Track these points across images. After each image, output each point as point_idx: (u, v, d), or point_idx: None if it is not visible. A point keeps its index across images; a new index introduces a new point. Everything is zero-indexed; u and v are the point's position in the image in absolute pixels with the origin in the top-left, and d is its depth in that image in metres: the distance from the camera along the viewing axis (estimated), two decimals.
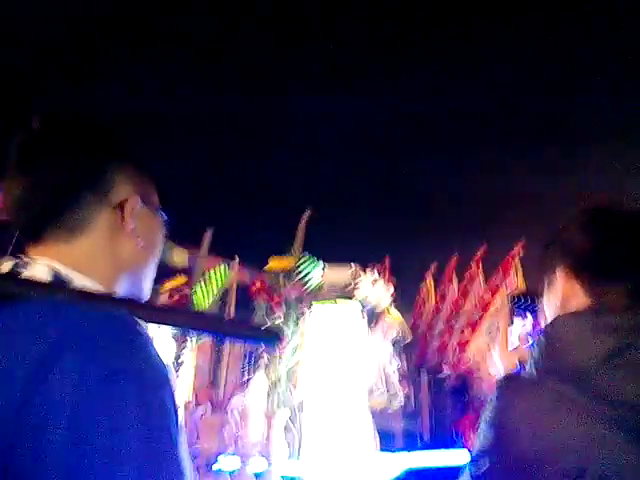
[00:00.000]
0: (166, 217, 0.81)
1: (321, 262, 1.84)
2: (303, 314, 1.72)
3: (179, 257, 2.15)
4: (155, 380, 0.59)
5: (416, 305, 3.24)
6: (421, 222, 3.77)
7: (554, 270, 1.09)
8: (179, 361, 1.98)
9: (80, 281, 0.66)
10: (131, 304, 0.70)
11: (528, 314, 1.38)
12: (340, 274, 1.68)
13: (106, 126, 0.71)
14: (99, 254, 0.71)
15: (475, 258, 3.17)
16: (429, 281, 3.30)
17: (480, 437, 1.00)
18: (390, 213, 3.68)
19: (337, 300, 1.63)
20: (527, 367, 1.02)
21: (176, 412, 0.63)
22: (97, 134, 0.70)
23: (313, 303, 1.68)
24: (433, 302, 3.18)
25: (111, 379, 0.55)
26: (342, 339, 1.62)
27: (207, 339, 2.00)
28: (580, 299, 1.02)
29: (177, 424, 0.62)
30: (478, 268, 3.16)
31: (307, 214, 1.78)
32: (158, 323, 0.73)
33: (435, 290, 3.25)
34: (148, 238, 0.78)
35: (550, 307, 1.10)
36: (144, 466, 0.55)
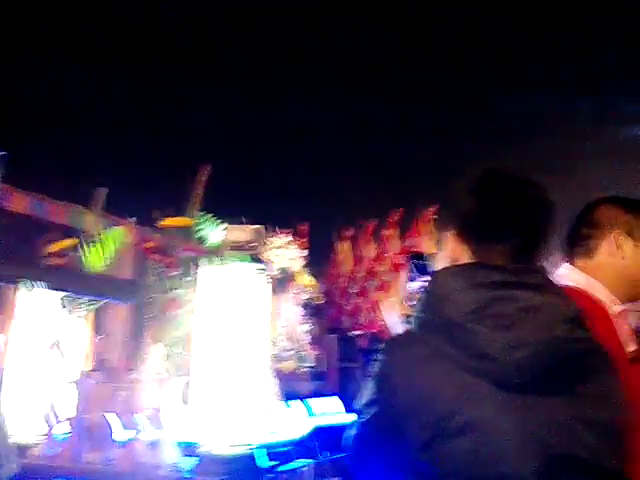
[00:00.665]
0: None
1: (220, 222, 1.75)
2: (199, 275, 1.64)
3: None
4: None
5: (331, 268, 3.23)
6: (340, 186, 3.74)
7: (445, 231, 1.09)
8: (69, 328, 1.84)
9: None
10: None
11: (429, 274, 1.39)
12: (241, 233, 1.61)
13: None
14: None
15: (391, 221, 3.19)
16: (345, 244, 3.29)
17: (365, 390, 0.99)
18: (308, 175, 3.62)
19: (239, 261, 1.56)
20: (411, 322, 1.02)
21: None
22: None
23: (210, 263, 1.60)
24: (348, 265, 3.19)
25: None
26: (241, 300, 1.55)
27: (98, 306, 1.88)
28: (466, 259, 1.03)
29: None
30: (393, 231, 3.19)
31: (205, 172, 1.67)
32: None
33: (351, 254, 3.25)
34: None
35: (440, 266, 1.11)
36: None
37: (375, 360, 0.98)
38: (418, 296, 1.01)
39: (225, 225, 1.72)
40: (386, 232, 3.15)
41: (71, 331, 1.85)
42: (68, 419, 1.78)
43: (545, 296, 0.95)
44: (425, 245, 2.89)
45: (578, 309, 0.97)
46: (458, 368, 0.87)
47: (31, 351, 1.94)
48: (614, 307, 1.36)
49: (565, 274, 1.41)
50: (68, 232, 1.99)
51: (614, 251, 1.50)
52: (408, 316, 1.11)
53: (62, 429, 1.83)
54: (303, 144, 3.81)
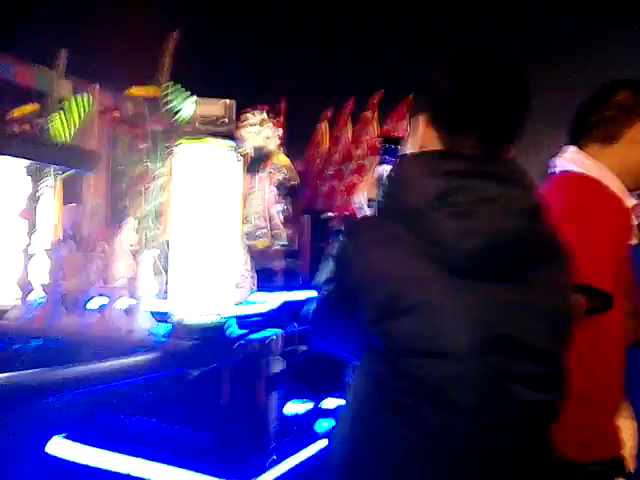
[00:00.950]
0: None
1: (190, 94, 1.67)
2: (170, 149, 1.60)
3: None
4: None
5: (308, 149, 3.18)
6: (319, 63, 3.57)
7: (417, 115, 1.07)
8: (37, 197, 1.82)
9: None
10: None
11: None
12: (212, 107, 1.54)
13: None
14: None
15: (370, 103, 3.09)
16: (324, 125, 3.21)
17: (324, 269, 1.03)
18: (289, 48, 3.43)
19: (209, 138, 1.51)
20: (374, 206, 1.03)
21: None
22: None
23: (182, 139, 1.55)
24: (326, 146, 3.14)
25: None
26: (212, 177, 1.53)
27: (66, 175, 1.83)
28: (435, 146, 1.02)
29: None
30: (373, 114, 3.10)
31: (174, 38, 1.56)
32: None
33: (329, 135, 3.19)
34: None
35: (409, 152, 1.09)
36: None
37: (336, 242, 1.01)
38: (382, 181, 1.01)
39: (195, 98, 1.65)
40: (366, 114, 3.07)
41: (39, 200, 1.83)
42: (42, 285, 1.83)
43: (506, 187, 0.97)
44: (403, 130, 2.84)
45: (537, 201, 0.99)
46: (412, 253, 0.91)
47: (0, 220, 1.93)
48: (627, 200, 1.36)
49: (574, 159, 1.39)
50: (32, 96, 1.89)
51: (638, 139, 1.43)
52: (370, 200, 1.12)
53: (37, 295, 1.88)
54: (285, 13, 3.56)
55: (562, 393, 0.95)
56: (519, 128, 1.01)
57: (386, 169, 1.10)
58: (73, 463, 2.02)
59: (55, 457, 2.05)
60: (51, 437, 2.13)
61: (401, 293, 0.87)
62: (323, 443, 2.28)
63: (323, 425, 2.46)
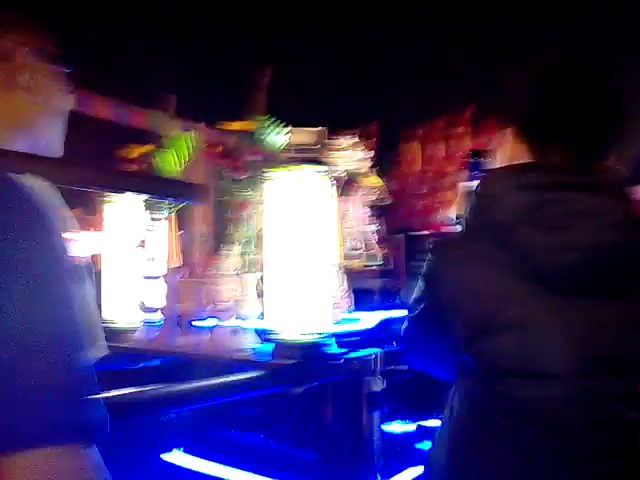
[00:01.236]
0: (68, 69, 0.75)
1: (283, 125, 1.78)
2: (267, 177, 1.70)
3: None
4: (31, 231, 0.59)
5: (399, 168, 3.20)
6: (409, 84, 3.59)
7: (504, 127, 1.05)
8: (151, 229, 2.01)
9: None
10: (26, 158, 0.68)
11: None
12: (304, 136, 1.63)
13: None
14: None
15: (462, 119, 3.06)
16: (414, 144, 3.22)
17: (415, 288, 1.05)
18: (376, 73, 3.50)
19: (303, 164, 1.60)
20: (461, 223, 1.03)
21: (72, 262, 0.64)
22: None
23: (277, 167, 1.65)
24: (417, 165, 3.14)
25: None
26: (306, 202, 1.61)
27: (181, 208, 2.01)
28: (525, 159, 1.00)
29: (74, 275, 0.64)
30: (465, 129, 3.06)
31: (267, 74, 1.67)
32: (60, 182, 0.71)
33: (420, 153, 3.19)
34: (43, 91, 0.73)
35: (498, 166, 1.08)
36: (33, 310, 0.57)
37: (426, 261, 1.02)
38: (468, 197, 1.01)
39: (288, 128, 1.75)
40: (456, 130, 3.04)
41: (155, 232, 2.02)
42: (159, 309, 2.01)
43: (601, 198, 0.92)
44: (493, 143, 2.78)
45: (634, 211, 0.93)
46: (503, 269, 0.90)
47: (121, 251, 2.15)
48: None
49: None
50: (146, 137, 2.10)
51: None
52: (458, 217, 1.12)
53: (156, 318, 2.07)
54: (374, 33, 3.64)
55: None
56: (614, 134, 0.96)
57: (474, 184, 1.10)
58: (188, 470, 2.17)
59: (172, 465, 2.21)
60: (170, 450, 2.30)
61: (495, 311, 0.86)
62: None
63: (427, 445, 2.42)
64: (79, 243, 0.73)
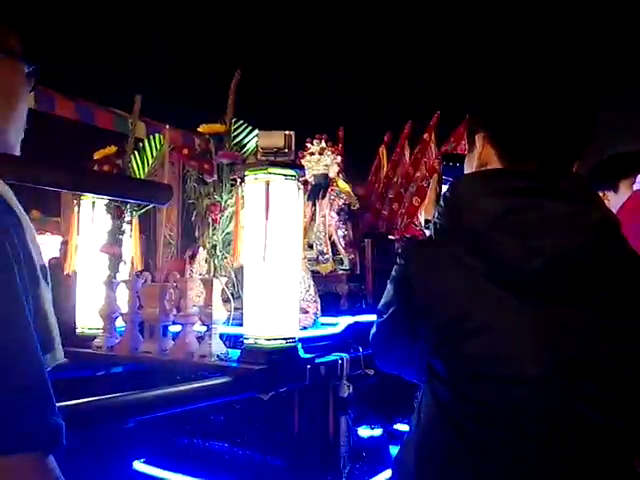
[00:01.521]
0: (30, 66, 0.72)
1: (252, 129, 1.76)
2: (235, 181, 1.68)
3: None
4: None
5: (368, 173, 3.22)
6: (377, 89, 3.63)
7: (475, 133, 1.05)
8: (120, 233, 1.96)
9: None
10: None
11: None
12: (271, 139, 1.62)
13: None
14: None
15: (428, 126, 3.10)
16: (382, 150, 3.25)
17: (385, 292, 1.04)
18: (344, 78, 3.51)
19: (270, 168, 1.59)
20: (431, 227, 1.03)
21: (25, 265, 0.61)
22: None
23: (245, 170, 1.64)
24: (384, 171, 3.16)
25: None
26: (274, 206, 1.60)
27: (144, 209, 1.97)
28: (495, 165, 1.00)
29: (27, 277, 0.60)
30: (430, 135, 3.11)
31: (237, 76, 1.66)
32: (23, 180, 0.68)
33: (387, 159, 3.21)
34: (3, 88, 0.70)
35: (469, 170, 1.09)
36: None
37: (395, 265, 1.01)
38: (438, 201, 1.01)
39: (256, 131, 1.73)
40: (424, 136, 3.08)
41: (119, 235, 1.97)
42: (122, 314, 1.95)
43: (573, 204, 0.92)
44: (462, 149, 2.82)
45: (606, 217, 0.94)
46: (473, 274, 0.90)
47: (86, 254, 2.09)
48: None
49: None
50: (112, 138, 2.05)
51: None
52: (427, 221, 1.12)
53: (118, 324, 2.01)
54: (338, 42, 3.66)
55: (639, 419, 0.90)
56: (585, 143, 0.97)
57: (445, 189, 1.10)
58: None
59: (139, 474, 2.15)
60: (130, 462, 2.24)
61: (464, 315, 0.86)
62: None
63: (394, 451, 2.42)
64: (35, 245, 0.70)
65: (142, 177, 1.96)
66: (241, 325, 1.74)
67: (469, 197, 0.92)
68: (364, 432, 2.43)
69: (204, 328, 1.77)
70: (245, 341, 1.69)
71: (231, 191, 1.73)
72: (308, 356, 1.79)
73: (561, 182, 0.92)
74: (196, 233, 1.80)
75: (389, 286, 1.00)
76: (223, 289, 1.74)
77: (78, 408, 1.26)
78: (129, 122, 2.00)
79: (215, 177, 1.69)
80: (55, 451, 0.60)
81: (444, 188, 1.37)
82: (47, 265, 0.72)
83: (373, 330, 1.11)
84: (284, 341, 1.67)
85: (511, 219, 0.87)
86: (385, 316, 1.01)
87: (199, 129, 1.71)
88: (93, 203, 2.04)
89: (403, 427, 2.62)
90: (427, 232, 1.34)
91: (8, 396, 0.54)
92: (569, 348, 0.84)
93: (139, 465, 2.26)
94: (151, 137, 1.99)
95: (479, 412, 0.87)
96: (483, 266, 0.86)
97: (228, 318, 1.76)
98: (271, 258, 1.62)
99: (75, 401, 1.25)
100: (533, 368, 0.84)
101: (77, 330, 2.11)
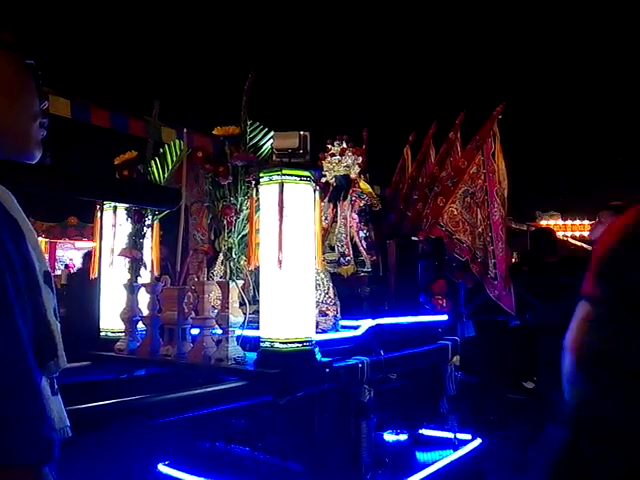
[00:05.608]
0: (32, 61, 0.71)
1: (268, 130, 1.75)
2: (250, 183, 1.67)
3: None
4: None
5: (391, 174, 3.17)
6: (401, 90, 3.58)
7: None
8: (142, 237, 1.98)
9: None
10: None
11: None
12: (288, 140, 1.60)
13: None
14: None
15: (454, 124, 3.03)
16: (406, 150, 3.20)
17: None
18: (368, 79, 3.47)
19: (285, 169, 1.57)
20: None
21: (23, 271, 0.60)
22: None
23: (261, 172, 1.62)
24: (409, 171, 3.11)
25: None
26: (289, 207, 1.58)
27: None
28: None
29: (24, 283, 0.60)
30: (456, 134, 3.04)
31: (251, 78, 1.65)
32: (22, 185, 0.67)
33: (412, 159, 3.16)
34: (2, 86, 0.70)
35: None
36: None
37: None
38: None
39: (272, 133, 1.72)
40: (449, 135, 3.02)
41: (139, 239, 1.98)
42: (142, 317, 1.97)
43: None
44: (489, 147, 2.75)
45: None
46: None
47: (108, 258, 2.11)
48: None
49: None
50: (136, 144, 2.07)
51: None
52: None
53: (139, 327, 2.03)
54: (363, 43, 3.63)
55: None
56: None
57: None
58: None
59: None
60: (155, 464, 2.25)
61: None
62: (419, 475, 2.19)
63: (419, 456, 2.37)
64: (37, 251, 0.69)
65: (161, 182, 1.97)
66: (258, 328, 1.72)
67: None
68: (389, 437, 2.39)
69: (222, 331, 1.76)
70: (261, 344, 1.67)
71: (246, 193, 1.72)
72: (326, 360, 1.76)
73: None
74: (212, 236, 1.79)
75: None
76: (239, 292, 1.73)
77: (100, 410, 1.26)
78: (160, 129, 2.02)
79: (230, 179, 1.69)
80: (48, 465, 0.59)
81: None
82: (49, 271, 0.71)
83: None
84: (300, 344, 1.64)
85: None
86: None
87: (213, 131, 1.70)
88: (115, 208, 2.07)
89: (428, 432, 2.57)
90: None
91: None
92: None
93: (163, 468, 2.27)
94: (172, 143, 2.00)
95: None
96: None
97: (244, 321, 1.75)
98: (286, 260, 1.60)
99: (96, 403, 1.25)
100: None
101: (101, 333, 2.14)
